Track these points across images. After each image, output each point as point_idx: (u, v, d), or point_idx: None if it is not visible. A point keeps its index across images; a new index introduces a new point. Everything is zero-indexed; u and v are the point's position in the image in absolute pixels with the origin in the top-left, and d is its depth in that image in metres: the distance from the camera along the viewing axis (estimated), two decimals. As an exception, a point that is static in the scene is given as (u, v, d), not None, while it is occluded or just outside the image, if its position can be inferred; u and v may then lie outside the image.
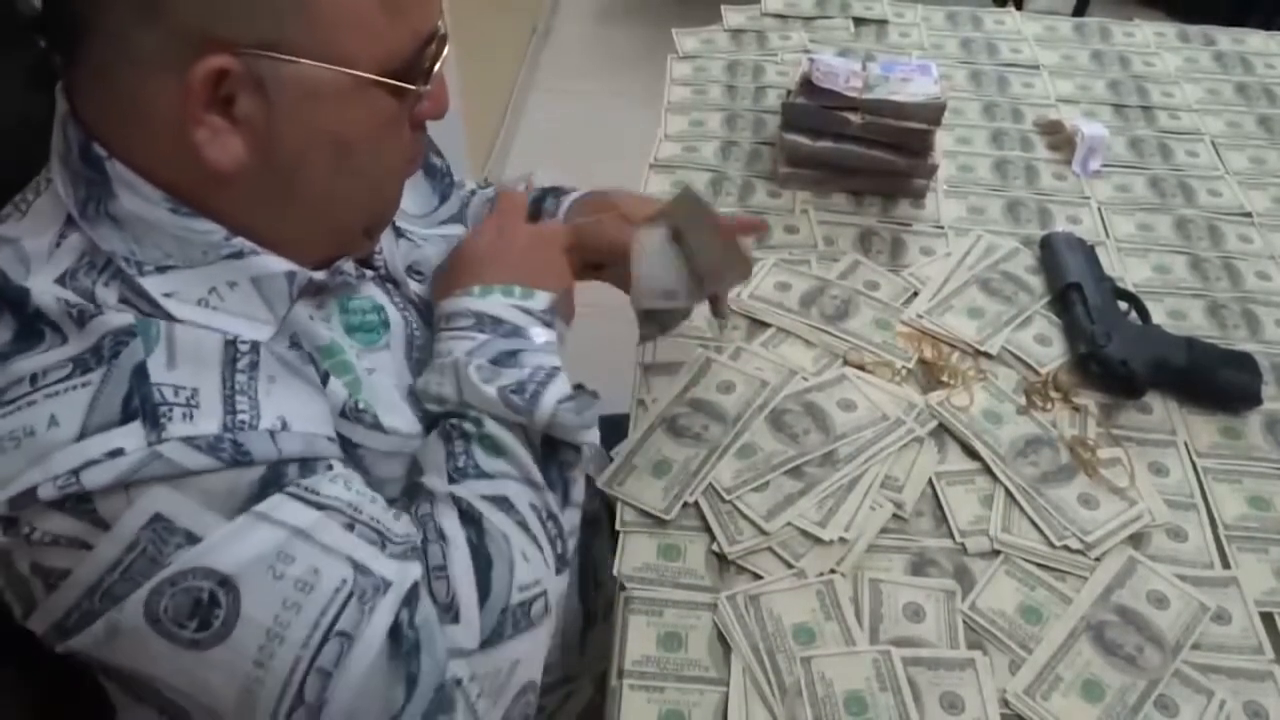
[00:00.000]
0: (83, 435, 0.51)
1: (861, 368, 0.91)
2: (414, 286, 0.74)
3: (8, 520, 0.52)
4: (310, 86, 0.55)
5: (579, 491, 0.68)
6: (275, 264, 0.60)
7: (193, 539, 0.52)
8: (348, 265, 0.67)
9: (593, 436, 0.67)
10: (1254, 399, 0.89)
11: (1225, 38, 1.40)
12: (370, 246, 0.70)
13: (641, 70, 1.70)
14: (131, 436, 0.51)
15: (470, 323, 0.68)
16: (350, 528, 0.56)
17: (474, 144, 2.14)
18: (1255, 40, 1.40)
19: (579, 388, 0.69)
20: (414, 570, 0.58)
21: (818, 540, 0.77)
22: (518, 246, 0.74)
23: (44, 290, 0.54)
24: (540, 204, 0.91)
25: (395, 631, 0.55)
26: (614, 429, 0.82)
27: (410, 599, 0.56)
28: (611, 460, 0.82)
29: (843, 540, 0.77)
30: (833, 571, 0.76)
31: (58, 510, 0.51)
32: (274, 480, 0.54)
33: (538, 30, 2.80)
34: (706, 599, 0.74)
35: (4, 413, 0.52)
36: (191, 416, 0.53)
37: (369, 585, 0.55)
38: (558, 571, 0.64)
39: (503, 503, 0.63)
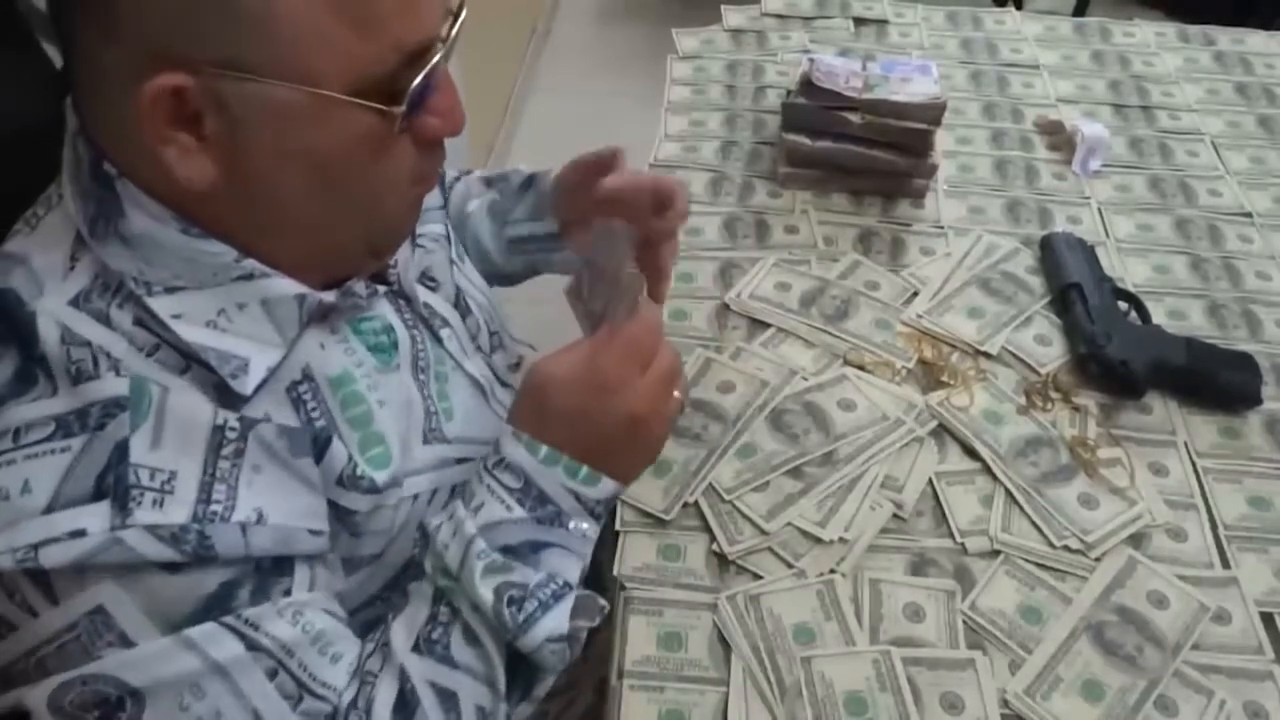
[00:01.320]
0: (51, 508, 0.51)
1: (861, 368, 0.91)
2: (424, 295, 0.73)
3: None
4: (275, 106, 0.52)
5: (543, 689, 0.63)
6: (285, 286, 0.59)
7: (126, 643, 0.52)
8: (359, 286, 0.65)
9: (562, 664, 0.62)
10: (1254, 399, 0.89)
11: (1225, 38, 1.40)
12: (381, 265, 0.69)
13: (641, 70, 1.70)
14: (96, 517, 0.51)
15: (518, 486, 0.62)
16: (273, 675, 0.56)
17: (474, 144, 2.14)
18: (1255, 40, 1.40)
19: (588, 594, 0.63)
20: None
21: (818, 540, 0.77)
22: (612, 415, 0.63)
23: (55, 315, 0.54)
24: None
25: None
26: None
27: None
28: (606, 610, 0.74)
29: (843, 540, 0.77)
30: (833, 571, 0.76)
31: (16, 573, 0.52)
32: (220, 602, 0.54)
33: (538, 30, 2.80)
34: (706, 599, 0.74)
35: None
36: (162, 503, 0.52)
37: None
38: None
39: (448, 699, 0.60)
